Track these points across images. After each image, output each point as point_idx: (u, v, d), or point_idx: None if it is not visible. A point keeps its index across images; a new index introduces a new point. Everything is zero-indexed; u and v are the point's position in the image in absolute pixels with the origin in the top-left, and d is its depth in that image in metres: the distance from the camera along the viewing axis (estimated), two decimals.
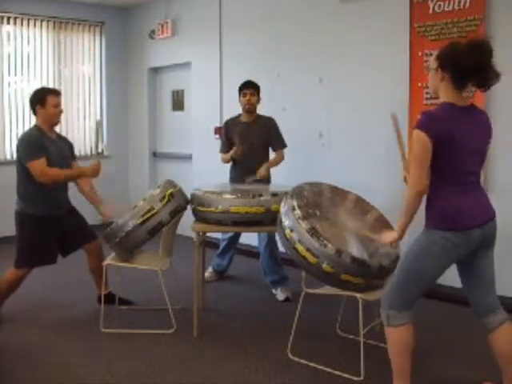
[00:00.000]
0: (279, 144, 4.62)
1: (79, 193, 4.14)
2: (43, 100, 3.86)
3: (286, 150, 4.68)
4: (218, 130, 6.14)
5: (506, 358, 2.63)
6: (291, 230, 3.07)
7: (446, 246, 2.49)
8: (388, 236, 2.70)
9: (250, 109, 4.55)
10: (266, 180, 4.50)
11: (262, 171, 4.39)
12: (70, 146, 4.17)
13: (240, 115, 4.64)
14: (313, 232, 2.99)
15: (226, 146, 4.67)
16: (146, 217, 3.63)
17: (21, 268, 3.88)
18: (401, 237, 2.62)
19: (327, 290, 3.27)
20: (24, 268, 3.88)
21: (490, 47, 2.46)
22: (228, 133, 4.64)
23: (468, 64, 2.41)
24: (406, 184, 2.65)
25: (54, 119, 3.93)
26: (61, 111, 3.96)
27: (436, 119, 2.45)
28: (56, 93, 3.97)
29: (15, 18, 6.61)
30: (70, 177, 3.94)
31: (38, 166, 3.73)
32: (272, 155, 4.68)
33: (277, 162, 4.60)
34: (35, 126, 3.93)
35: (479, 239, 2.54)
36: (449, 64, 2.46)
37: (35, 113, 3.92)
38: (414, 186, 2.47)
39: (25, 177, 3.82)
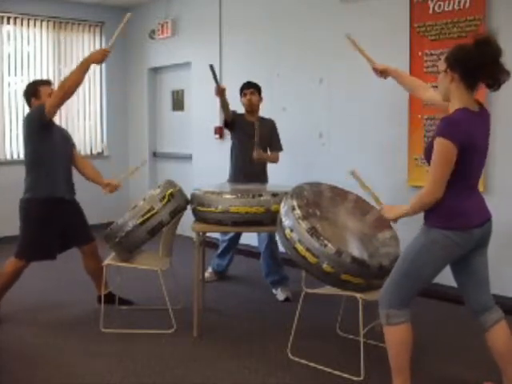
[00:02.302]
0: (277, 147, 4.64)
1: (84, 178, 4.15)
2: (36, 91, 3.88)
3: (286, 150, 4.69)
4: (218, 130, 6.15)
5: (504, 356, 2.63)
6: (291, 230, 3.07)
7: (448, 245, 2.50)
8: (390, 212, 2.67)
9: (252, 108, 4.55)
10: (263, 180, 4.53)
11: (257, 153, 4.34)
12: (70, 137, 4.19)
13: (244, 114, 4.64)
14: (313, 232, 2.99)
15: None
16: (146, 217, 3.63)
17: (20, 259, 3.87)
18: (396, 219, 2.66)
19: (327, 290, 3.27)
20: (23, 259, 3.87)
21: (496, 43, 2.45)
22: (233, 119, 4.54)
23: (477, 59, 2.40)
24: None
25: None
26: None
27: (457, 125, 2.43)
28: (48, 83, 3.99)
29: (15, 18, 6.62)
30: (78, 71, 3.69)
31: (48, 98, 3.73)
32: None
33: (271, 160, 4.60)
34: None
35: (479, 239, 2.55)
36: (458, 63, 2.45)
37: (31, 106, 3.92)
38: (434, 192, 2.46)
39: (33, 161, 3.83)
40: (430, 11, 4.34)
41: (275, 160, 4.63)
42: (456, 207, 2.49)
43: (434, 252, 2.52)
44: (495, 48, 2.43)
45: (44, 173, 3.83)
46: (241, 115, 4.64)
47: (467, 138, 2.41)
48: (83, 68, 3.69)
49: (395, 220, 2.68)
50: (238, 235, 4.81)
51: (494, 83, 2.48)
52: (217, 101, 6.10)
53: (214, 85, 4.32)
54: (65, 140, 4.01)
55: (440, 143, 2.42)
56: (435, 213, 2.52)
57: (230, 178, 4.68)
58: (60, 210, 3.89)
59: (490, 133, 2.62)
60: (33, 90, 3.90)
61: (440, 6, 4.30)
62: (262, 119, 4.62)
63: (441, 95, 2.60)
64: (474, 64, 2.42)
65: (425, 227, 2.57)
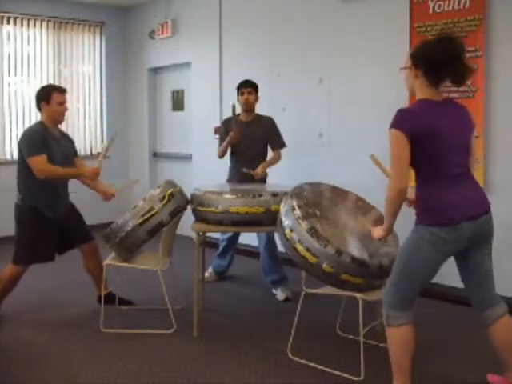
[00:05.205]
0: (278, 144, 4.61)
1: (82, 184, 4.15)
2: (48, 97, 3.86)
3: (286, 150, 4.68)
4: (218, 130, 6.13)
5: (508, 349, 2.63)
6: (291, 230, 3.07)
7: (435, 241, 2.48)
8: (376, 232, 2.74)
9: (248, 107, 4.54)
10: (262, 180, 4.51)
11: (258, 170, 4.37)
12: (72, 143, 4.17)
13: (239, 115, 4.63)
14: (313, 232, 2.99)
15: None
16: (145, 217, 3.63)
17: (19, 264, 3.88)
18: (386, 235, 2.70)
19: (327, 289, 3.27)
20: (20, 264, 3.88)
21: (459, 41, 2.52)
22: (227, 130, 4.58)
23: (438, 57, 2.45)
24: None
25: (58, 117, 3.94)
26: (65, 109, 3.97)
27: (410, 115, 2.47)
28: (61, 90, 3.97)
29: (15, 18, 6.61)
30: (69, 175, 3.94)
31: (38, 162, 3.72)
32: (270, 154, 4.67)
33: (273, 162, 4.56)
34: (40, 122, 3.92)
35: (472, 234, 2.52)
36: (421, 60, 2.50)
37: (40, 109, 3.92)
38: (395, 186, 2.47)
39: (26, 173, 3.82)
40: (430, 11, 4.34)
41: (277, 160, 4.59)
42: (438, 202, 2.48)
43: (423, 250, 2.51)
44: (457, 45, 2.48)
45: (34, 188, 3.82)
46: (233, 118, 4.62)
47: (423, 127, 2.43)
48: (74, 176, 3.98)
49: (385, 236, 2.71)
50: (236, 235, 4.80)
51: (458, 79, 2.52)
52: (217, 101, 6.17)
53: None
54: (64, 154, 3.94)
55: (391, 134, 2.46)
56: (420, 209, 2.54)
57: (228, 179, 4.68)
58: (54, 218, 3.89)
59: (469, 122, 2.60)
60: (45, 95, 3.88)
61: (440, 5, 4.30)
62: (259, 116, 4.61)
63: (408, 90, 2.64)
64: (437, 61, 2.46)
65: (414, 226, 2.57)
